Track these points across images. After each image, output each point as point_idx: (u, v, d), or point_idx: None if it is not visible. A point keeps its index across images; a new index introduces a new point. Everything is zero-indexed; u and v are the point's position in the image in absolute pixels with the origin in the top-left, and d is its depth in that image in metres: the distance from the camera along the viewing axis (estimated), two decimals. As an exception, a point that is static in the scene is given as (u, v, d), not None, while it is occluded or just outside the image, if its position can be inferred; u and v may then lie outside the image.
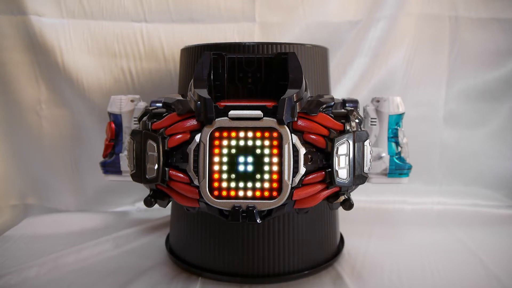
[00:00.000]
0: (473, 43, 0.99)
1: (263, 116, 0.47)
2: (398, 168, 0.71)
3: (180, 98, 0.54)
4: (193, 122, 0.49)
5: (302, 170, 0.48)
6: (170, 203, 0.65)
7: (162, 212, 0.93)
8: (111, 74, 0.95)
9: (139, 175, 0.51)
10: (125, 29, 0.94)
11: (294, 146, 0.48)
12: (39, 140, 0.98)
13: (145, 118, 0.52)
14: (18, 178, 1.01)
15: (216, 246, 0.66)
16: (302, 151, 0.48)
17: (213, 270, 0.67)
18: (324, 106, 0.51)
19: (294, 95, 0.48)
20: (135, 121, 0.70)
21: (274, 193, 0.48)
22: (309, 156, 0.49)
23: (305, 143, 0.49)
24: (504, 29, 0.98)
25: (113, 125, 0.71)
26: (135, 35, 0.94)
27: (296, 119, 0.48)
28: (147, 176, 0.50)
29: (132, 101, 0.71)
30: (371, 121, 0.71)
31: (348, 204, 0.52)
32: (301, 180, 0.48)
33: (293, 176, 0.47)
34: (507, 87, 1.01)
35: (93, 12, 0.93)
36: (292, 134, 0.48)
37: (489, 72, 1.01)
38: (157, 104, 0.57)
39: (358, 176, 0.50)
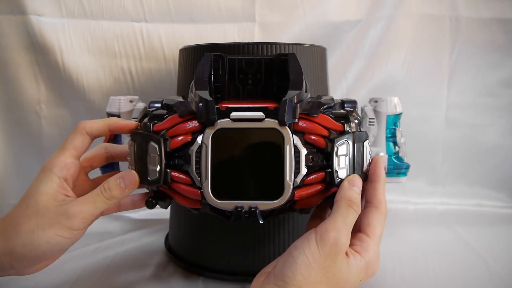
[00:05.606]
0: (474, 43, 0.99)
1: (265, 118, 0.48)
2: (396, 168, 0.71)
3: (181, 99, 0.54)
4: (194, 124, 0.49)
5: (304, 170, 0.48)
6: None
7: (162, 212, 0.93)
8: (111, 74, 0.96)
9: (140, 177, 0.51)
10: (125, 29, 0.94)
11: (295, 147, 0.48)
12: (39, 140, 0.98)
13: (146, 120, 0.52)
14: (18, 178, 1.00)
15: (216, 245, 0.67)
16: (304, 151, 0.48)
17: (214, 269, 0.67)
18: (325, 106, 0.51)
19: (295, 96, 0.48)
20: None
21: (276, 194, 0.48)
22: (310, 156, 0.49)
23: (305, 143, 0.49)
24: (504, 29, 0.98)
25: (112, 126, 0.71)
26: (135, 35, 0.94)
27: (297, 120, 0.48)
28: (149, 178, 0.50)
29: (131, 101, 0.71)
30: (369, 121, 0.72)
31: None
32: (302, 180, 0.48)
33: (295, 177, 0.48)
34: (508, 87, 1.01)
35: (93, 12, 0.93)
36: (294, 135, 0.48)
37: (489, 72, 1.01)
38: (156, 105, 0.57)
39: None
